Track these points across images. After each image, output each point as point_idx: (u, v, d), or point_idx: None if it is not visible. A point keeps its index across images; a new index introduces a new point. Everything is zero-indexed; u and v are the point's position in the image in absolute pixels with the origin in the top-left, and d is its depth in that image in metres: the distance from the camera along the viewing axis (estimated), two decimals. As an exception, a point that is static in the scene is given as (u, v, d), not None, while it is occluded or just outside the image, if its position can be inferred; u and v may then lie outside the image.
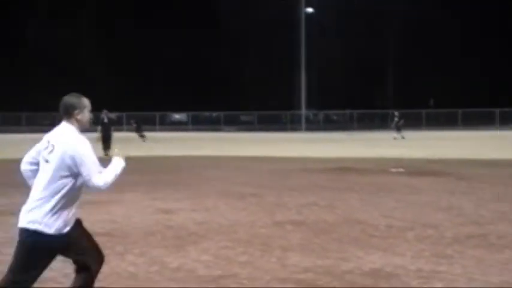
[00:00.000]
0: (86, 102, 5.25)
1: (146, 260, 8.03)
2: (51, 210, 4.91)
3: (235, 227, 10.22)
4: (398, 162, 22.94)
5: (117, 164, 5.25)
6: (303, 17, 64.34)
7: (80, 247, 5.15)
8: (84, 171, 4.94)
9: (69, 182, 4.97)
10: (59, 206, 4.93)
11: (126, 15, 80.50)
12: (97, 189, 5.02)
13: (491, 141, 39.14)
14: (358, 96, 75.52)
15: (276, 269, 7.58)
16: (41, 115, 63.76)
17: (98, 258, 5.27)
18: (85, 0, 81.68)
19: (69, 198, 4.99)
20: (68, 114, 5.15)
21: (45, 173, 4.98)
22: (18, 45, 77.33)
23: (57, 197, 4.92)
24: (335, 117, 76.20)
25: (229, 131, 63.27)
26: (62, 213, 4.96)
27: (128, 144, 32.38)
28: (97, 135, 26.82)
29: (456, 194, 14.37)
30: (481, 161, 23.48)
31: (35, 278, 5.01)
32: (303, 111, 67.03)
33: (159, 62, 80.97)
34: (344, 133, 56.43)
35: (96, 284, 5.35)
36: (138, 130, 45.61)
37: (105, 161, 5.29)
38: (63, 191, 4.94)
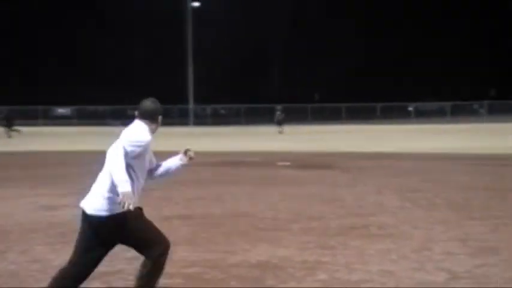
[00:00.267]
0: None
1: (28, 258, 7.82)
2: (108, 196, 5.12)
3: (122, 223, 10.10)
4: (284, 155, 23.27)
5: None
6: (189, 10, 64.16)
7: (141, 233, 5.32)
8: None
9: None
10: (112, 192, 5.08)
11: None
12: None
13: (373, 134, 40.34)
14: (246, 90, 75.97)
15: (163, 263, 7.54)
16: None
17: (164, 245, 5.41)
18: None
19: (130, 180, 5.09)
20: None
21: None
22: None
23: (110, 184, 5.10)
24: (223, 112, 76.43)
25: (115, 125, 62.21)
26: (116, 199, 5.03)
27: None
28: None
29: (340, 186, 14.74)
30: (364, 154, 24.18)
31: (95, 261, 5.25)
32: (191, 105, 66.89)
33: (42, 55, 78.77)
34: (232, 127, 56.72)
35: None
36: (8, 125, 42.41)
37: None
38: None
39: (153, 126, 5.47)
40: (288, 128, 45.37)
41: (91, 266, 5.30)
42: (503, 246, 8.23)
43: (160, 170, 5.74)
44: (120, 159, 5.04)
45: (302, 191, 13.97)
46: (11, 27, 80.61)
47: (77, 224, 5.50)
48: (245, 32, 77.00)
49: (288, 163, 20.49)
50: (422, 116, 65.97)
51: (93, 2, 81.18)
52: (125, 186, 4.93)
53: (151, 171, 5.63)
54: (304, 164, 20.32)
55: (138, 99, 5.62)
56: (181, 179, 16.54)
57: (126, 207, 4.91)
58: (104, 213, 5.15)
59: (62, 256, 7.84)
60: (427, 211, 11.07)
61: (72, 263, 5.29)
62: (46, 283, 6.72)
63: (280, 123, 45.00)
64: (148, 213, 10.52)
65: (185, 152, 5.78)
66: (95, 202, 5.20)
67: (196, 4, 65.57)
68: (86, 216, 5.25)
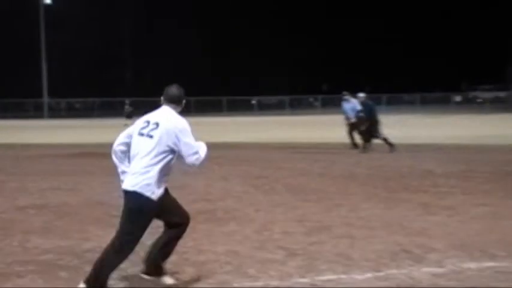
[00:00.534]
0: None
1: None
2: (154, 178, 5.36)
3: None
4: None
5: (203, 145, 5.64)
6: (42, 6, 61.96)
7: (171, 210, 5.72)
8: (182, 148, 5.43)
9: (168, 155, 5.42)
10: (159, 175, 5.38)
11: None
12: (192, 165, 5.53)
13: (219, 126, 40.74)
14: (100, 85, 74.06)
15: (17, 252, 7.29)
16: None
17: (185, 217, 5.90)
18: None
19: (167, 170, 5.47)
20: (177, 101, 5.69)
21: (148, 147, 5.39)
22: None
23: (158, 168, 5.37)
24: (77, 105, 74.42)
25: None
26: (162, 182, 5.45)
27: None
28: None
29: (190, 174, 14.75)
30: (212, 144, 24.28)
31: (137, 238, 5.47)
32: (45, 99, 64.66)
33: None
34: (86, 120, 55.33)
35: None
36: None
37: None
38: (162, 163, 5.40)
39: (178, 108, 5.73)
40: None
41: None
42: (334, 224, 8.59)
43: None
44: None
45: (154, 179, 13.87)
46: None
47: None
48: (99, 28, 74.95)
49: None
50: (264, 108, 67.33)
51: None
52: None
53: None
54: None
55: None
56: (36, 170, 16.00)
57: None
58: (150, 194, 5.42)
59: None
60: (268, 195, 11.35)
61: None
62: None
63: (129, 116, 44.42)
64: (2, 204, 10.10)
65: None
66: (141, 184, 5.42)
67: (48, 1, 63.46)
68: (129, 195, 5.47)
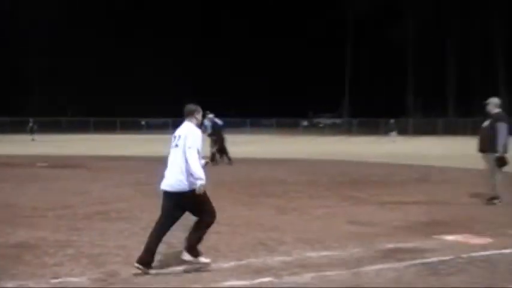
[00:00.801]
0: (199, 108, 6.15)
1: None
2: (183, 176, 5.76)
3: None
4: (43, 158, 22.06)
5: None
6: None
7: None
8: (187, 142, 5.76)
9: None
10: (187, 173, 5.74)
11: None
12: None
13: (114, 142, 39.71)
14: (11, 104, 68.39)
15: None
16: None
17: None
18: None
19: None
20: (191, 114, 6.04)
21: (177, 154, 5.84)
22: None
23: (184, 168, 5.74)
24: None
25: None
26: (189, 178, 5.74)
27: None
28: None
29: (87, 181, 14.36)
30: (107, 157, 23.76)
31: (172, 223, 6.05)
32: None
33: None
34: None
35: None
36: None
37: None
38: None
39: (194, 121, 6.04)
40: (44, 137, 42.71)
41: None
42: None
43: None
44: (198, 160, 5.76)
45: (57, 185, 13.40)
46: None
47: None
48: (9, 50, 68.80)
49: (45, 164, 19.45)
50: (151, 128, 66.33)
51: None
52: (203, 181, 5.74)
53: None
54: (59, 164, 19.43)
55: None
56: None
57: (201, 192, 5.80)
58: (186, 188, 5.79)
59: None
60: (152, 199, 11.15)
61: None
62: None
63: (32, 131, 42.42)
64: None
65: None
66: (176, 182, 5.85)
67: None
68: (169, 193, 5.89)
